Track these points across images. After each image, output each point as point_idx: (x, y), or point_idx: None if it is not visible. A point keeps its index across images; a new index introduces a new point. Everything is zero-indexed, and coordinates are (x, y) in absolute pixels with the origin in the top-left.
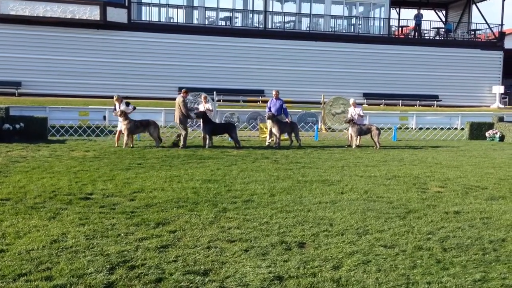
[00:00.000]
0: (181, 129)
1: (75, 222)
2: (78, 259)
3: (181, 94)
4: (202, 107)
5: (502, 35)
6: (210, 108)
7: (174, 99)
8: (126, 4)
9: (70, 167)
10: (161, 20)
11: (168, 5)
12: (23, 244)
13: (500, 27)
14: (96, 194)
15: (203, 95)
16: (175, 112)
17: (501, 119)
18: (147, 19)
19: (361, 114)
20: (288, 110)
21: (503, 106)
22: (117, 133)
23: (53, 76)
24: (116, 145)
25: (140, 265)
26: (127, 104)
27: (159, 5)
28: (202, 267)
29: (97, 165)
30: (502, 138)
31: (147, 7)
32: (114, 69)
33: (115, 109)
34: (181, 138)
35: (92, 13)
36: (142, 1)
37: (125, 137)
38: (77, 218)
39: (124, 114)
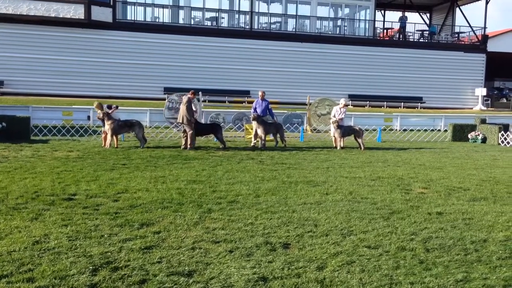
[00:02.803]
0: (186, 128)
1: (58, 223)
2: (60, 260)
3: (188, 95)
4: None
5: (485, 38)
6: (195, 109)
7: (159, 99)
8: (111, 3)
9: (53, 168)
10: (147, 20)
11: (153, 5)
12: (4, 245)
13: (483, 30)
14: (80, 194)
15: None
16: (179, 112)
17: (483, 121)
18: (133, 19)
19: (342, 117)
20: (273, 111)
21: (485, 108)
22: (104, 134)
23: (37, 75)
24: (103, 145)
25: (124, 266)
26: (109, 107)
27: (145, 5)
28: (186, 268)
29: (81, 165)
30: (484, 140)
31: (133, 7)
32: (98, 68)
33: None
34: (188, 137)
35: (76, 11)
36: (128, 0)
37: (109, 137)
38: (60, 219)
39: (107, 115)
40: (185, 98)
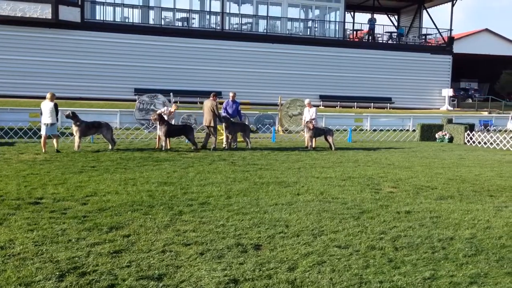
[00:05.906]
0: (211, 131)
1: (23, 228)
2: (26, 266)
3: (211, 98)
4: (162, 108)
5: (451, 40)
6: (165, 111)
7: (129, 100)
8: (79, 3)
9: (19, 171)
10: (116, 20)
11: (123, 5)
12: None
13: (449, 32)
14: (46, 198)
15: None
16: (205, 116)
17: (450, 121)
18: (101, 19)
19: (313, 117)
20: (244, 112)
21: (452, 109)
22: (44, 138)
23: (2, 76)
24: (43, 151)
25: (92, 271)
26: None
27: (114, 5)
28: (156, 271)
29: (48, 168)
30: (451, 139)
31: (101, 6)
32: (66, 69)
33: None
34: (213, 140)
35: (43, 11)
36: (96, 0)
37: (77, 139)
38: (26, 223)
39: (75, 116)
40: (212, 103)
